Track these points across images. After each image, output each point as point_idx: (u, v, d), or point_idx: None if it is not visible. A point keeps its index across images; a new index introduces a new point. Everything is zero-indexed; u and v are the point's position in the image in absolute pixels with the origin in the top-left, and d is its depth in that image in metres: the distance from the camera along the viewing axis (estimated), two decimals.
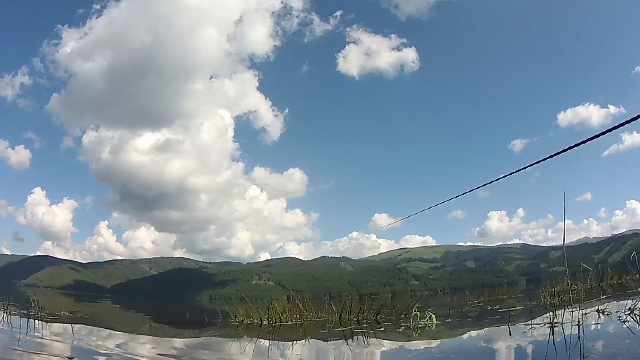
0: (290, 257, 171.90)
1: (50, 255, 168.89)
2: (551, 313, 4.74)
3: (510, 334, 4.61)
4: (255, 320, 7.89)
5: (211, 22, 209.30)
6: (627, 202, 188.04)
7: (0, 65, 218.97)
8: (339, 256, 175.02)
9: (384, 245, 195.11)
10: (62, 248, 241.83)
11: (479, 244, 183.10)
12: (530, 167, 2.80)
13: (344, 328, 6.64)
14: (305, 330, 6.91)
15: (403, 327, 6.28)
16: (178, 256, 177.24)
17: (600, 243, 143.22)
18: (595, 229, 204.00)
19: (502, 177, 3.47)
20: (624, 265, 10.61)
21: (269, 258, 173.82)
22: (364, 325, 6.90)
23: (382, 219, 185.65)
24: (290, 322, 7.59)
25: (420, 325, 6.10)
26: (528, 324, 4.93)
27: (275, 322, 7.64)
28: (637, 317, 4.50)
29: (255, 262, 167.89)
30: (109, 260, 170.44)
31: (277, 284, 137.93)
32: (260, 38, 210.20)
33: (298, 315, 7.85)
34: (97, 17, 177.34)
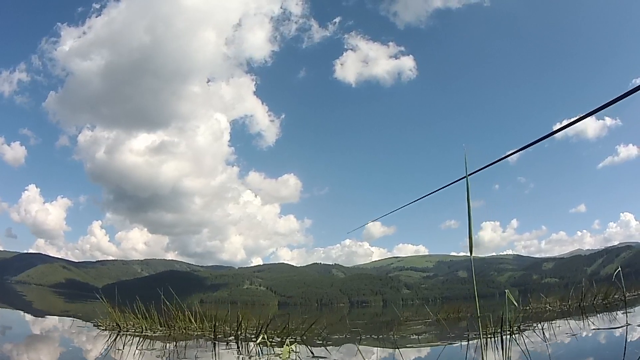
0: (283, 263, 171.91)
1: (43, 253, 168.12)
2: None
3: None
4: (115, 325, 7.49)
5: (210, 25, 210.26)
6: (621, 214, 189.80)
7: None
8: (331, 263, 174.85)
9: (377, 254, 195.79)
10: (54, 246, 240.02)
11: None
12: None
13: (181, 341, 5.93)
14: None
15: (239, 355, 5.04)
16: (170, 258, 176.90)
17: (594, 255, 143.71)
18: (588, 241, 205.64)
19: (485, 168, 3.28)
20: (616, 278, 9.59)
21: (261, 263, 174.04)
22: (231, 340, 6.13)
23: (375, 227, 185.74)
24: (145, 333, 7.03)
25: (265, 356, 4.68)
26: None
27: (135, 331, 7.16)
28: None
29: (247, 267, 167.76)
30: (100, 260, 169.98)
31: (269, 289, 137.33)
32: (259, 42, 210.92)
33: (188, 324, 7.24)
34: (96, 17, 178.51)
